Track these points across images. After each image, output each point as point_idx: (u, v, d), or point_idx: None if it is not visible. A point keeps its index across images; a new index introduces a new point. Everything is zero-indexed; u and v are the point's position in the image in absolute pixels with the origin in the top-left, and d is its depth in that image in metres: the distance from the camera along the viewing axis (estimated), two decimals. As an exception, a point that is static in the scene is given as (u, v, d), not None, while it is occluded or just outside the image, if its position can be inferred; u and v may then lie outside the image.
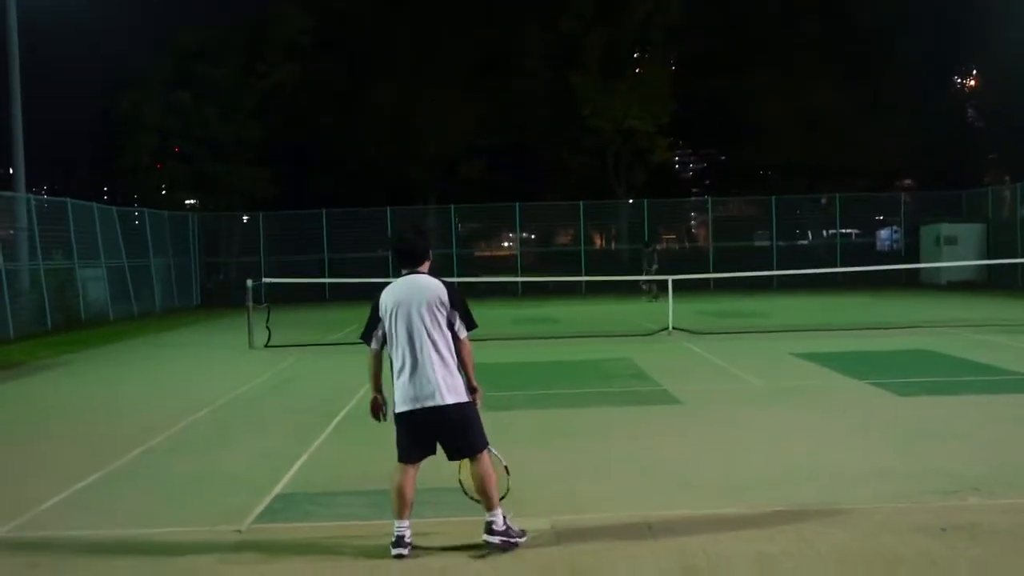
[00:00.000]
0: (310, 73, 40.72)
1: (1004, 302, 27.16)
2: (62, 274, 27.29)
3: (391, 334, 6.33)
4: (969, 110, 49.64)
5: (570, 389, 13.29)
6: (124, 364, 18.20)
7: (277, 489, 8.02)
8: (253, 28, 40.22)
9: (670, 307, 20.87)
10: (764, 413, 11.05)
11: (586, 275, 37.10)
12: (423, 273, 6.40)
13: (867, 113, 41.30)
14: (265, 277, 25.41)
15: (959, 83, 51.50)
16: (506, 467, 6.53)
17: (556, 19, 41.75)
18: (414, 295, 6.26)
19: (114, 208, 31.66)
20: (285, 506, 7.51)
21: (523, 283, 36.27)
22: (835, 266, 38.05)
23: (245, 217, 41.41)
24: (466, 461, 6.40)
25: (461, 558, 6.12)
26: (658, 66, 44.29)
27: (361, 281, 28.11)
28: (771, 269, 37.84)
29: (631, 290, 33.37)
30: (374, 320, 6.43)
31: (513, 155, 45.94)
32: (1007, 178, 44.27)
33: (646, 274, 31.14)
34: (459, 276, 34.17)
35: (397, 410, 6.32)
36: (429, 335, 6.22)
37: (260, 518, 7.21)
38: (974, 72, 49.66)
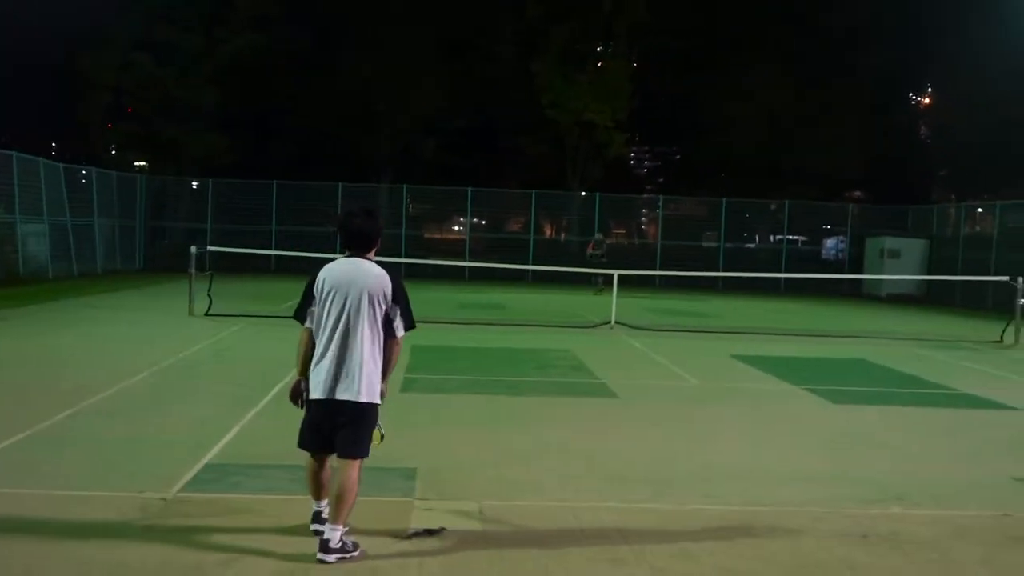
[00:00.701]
0: (272, 42, 40.19)
1: (941, 317, 27.61)
2: (2, 228, 26.82)
3: (321, 316, 5.90)
4: (922, 127, 50.31)
5: (509, 376, 13.32)
6: (60, 324, 17.94)
7: (207, 458, 7.96)
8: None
9: (614, 301, 20.98)
10: (698, 412, 11.16)
11: (534, 264, 37.13)
12: (369, 259, 6.02)
13: (822, 120, 41.66)
14: (211, 245, 25.15)
15: (913, 100, 52.17)
16: (382, 435, 6.07)
17: (524, 6, 41.65)
18: (355, 281, 5.87)
19: (61, 165, 31.13)
20: (214, 476, 7.45)
21: (471, 268, 36.22)
22: (780, 271, 38.46)
23: (195, 183, 40.92)
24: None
25: (385, 539, 6.11)
26: (620, 61, 44.34)
27: (308, 255, 27.96)
28: (717, 270, 38.15)
29: (577, 281, 33.48)
30: (308, 298, 5.99)
31: (472, 139, 45.81)
32: (953, 196, 44.99)
33: (597, 263, 31.16)
34: (407, 257, 34.10)
35: (311, 396, 5.90)
36: (362, 327, 5.83)
37: (188, 486, 7.15)
38: (928, 90, 50.31)
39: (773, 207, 43.31)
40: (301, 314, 6.04)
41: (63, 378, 11.71)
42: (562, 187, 43.73)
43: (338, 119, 41.81)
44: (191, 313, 19.44)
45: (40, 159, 29.64)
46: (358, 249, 6.00)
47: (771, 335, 20.40)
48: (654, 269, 37.24)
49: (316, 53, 41.86)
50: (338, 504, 5.77)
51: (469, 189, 39.96)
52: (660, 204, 43.63)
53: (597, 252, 32.84)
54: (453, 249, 43.26)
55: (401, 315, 5.96)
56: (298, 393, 6.03)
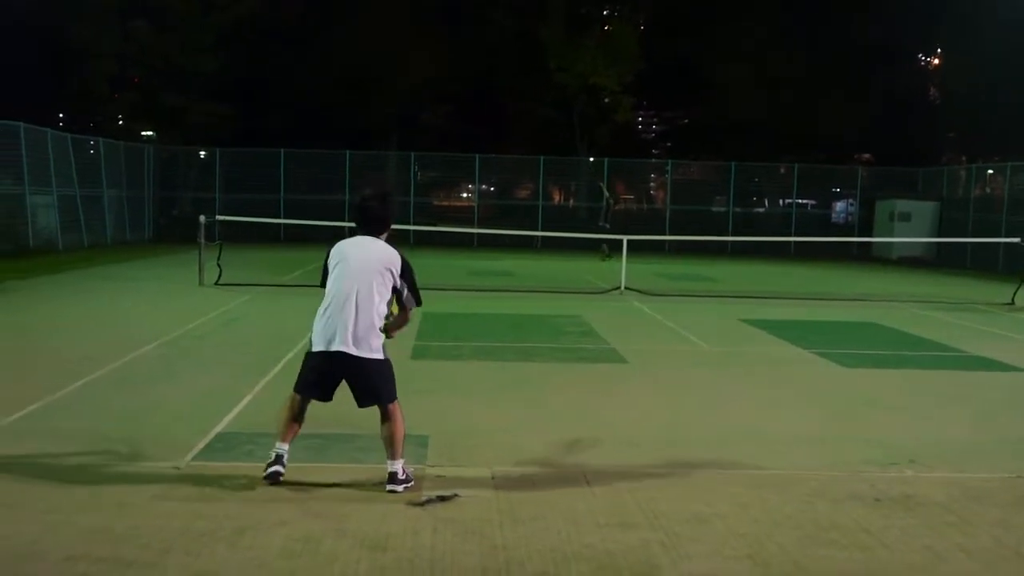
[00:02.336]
0: (272, 8, 39.96)
1: (952, 280, 27.51)
2: (11, 200, 26.83)
3: (331, 279, 6.46)
4: (931, 89, 49.94)
5: (519, 343, 13.32)
6: (70, 295, 17.95)
7: (219, 427, 7.97)
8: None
9: (623, 267, 20.94)
10: (709, 376, 11.15)
11: (543, 230, 37.08)
12: (380, 239, 6.55)
13: (830, 81, 41.38)
14: (220, 215, 25.12)
15: (923, 61, 51.77)
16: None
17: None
18: (366, 253, 6.44)
19: (69, 136, 31.07)
20: (226, 445, 7.46)
21: (479, 235, 36.18)
22: (789, 235, 38.39)
23: (202, 152, 40.85)
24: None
25: (398, 506, 6.12)
26: (626, 24, 44.07)
27: (316, 223, 27.93)
28: (726, 235, 38.09)
29: (586, 247, 33.40)
30: (326, 269, 6.56)
31: (478, 104, 45.65)
32: (963, 158, 44.72)
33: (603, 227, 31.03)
34: (415, 225, 34.04)
35: (313, 348, 6.47)
36: (368, 290, 6.35)
37: (200, 455, 7.16)
38: (938, 51, 49.90)
39: (782, 171, 43.13)
40: (324, 283, 6.59)
41: (74, 349, 11.72)
42: (569, 152, 43.59)
43: (339, 85, 41.61)
44: (201, 283, 19.45)
45: (48, 130, 29.58)
46: (371, 231, 6.57)
47: (781, 299, 20.35)
48: (663, 234, 37.17)
49: (313, 19, 41.58)
50: (392, 443, 6.42)
51: (477, 156, 39.86)
52: (669, 168, 43.46)
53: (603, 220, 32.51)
54: (462, 216, 43.22)
55: (410, 290, 6.56)
56: None
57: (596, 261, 29.93)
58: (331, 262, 6.51)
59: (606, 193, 33.06)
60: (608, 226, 31.36)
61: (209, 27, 38.90)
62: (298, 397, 6.57)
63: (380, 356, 6.43)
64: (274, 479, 6.42)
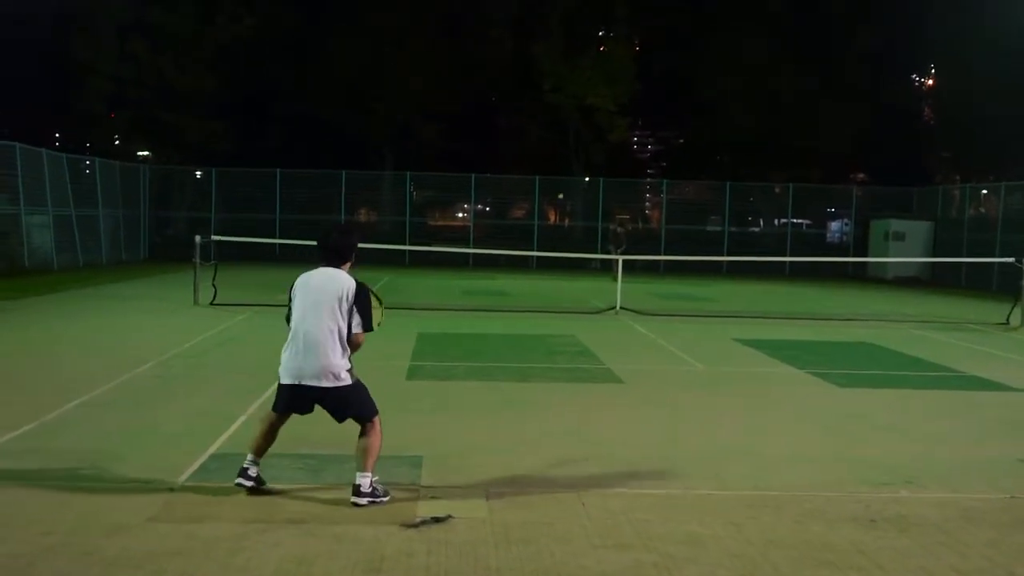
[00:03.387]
0: (269, 27, 40.07)
1: (947, 299, 27.57)
2: (7, 220, 26.83)
3: (294, 313, 6.75)
4: (925, 108, 50.14)
5: (515, 363, 13.31)
6: (66, 314, 17.94)
7: (213, 448, 7.96)
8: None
9: (618, 287, 20.98)
10: (704, 397, 11.15)
11: (538, 250, 37.12)
12: (342, 270, 6.77)
13: (824, 102, 41.53)
14: (216, 234, 25.12)
15: (917, 81, 51.98)
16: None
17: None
18: (325, 284, 6.66)
19: (64, 155, 31.11)
20: (220, 466, 7.44)
21: (475, 255, 36.21)
22: (785, 255, 38.46)
23: (198, 172, 40.89)
24: None
25: (391, 527, 6.11)
26: (621, 44, 44.22)
27: (312, 243, 27.87)
28: (722, 254, 38.14)
29: (581, 267, 33.47)
30: (290, 302, 6.86)
31: (473, 123, 45.75)
32: (957, 178, 44.85)
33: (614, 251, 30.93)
34: (412, 244, 34.09)
35: (281, 381, 6.74)
36: (327, 321, 6.58)
37: (194, 476, 7.15)
38: (932, 71, 50.11)
39: (777, 190, 43.25)
40: (289, 319, 6.87)
41: (68, 369, 11.72)
42: (564, 172, 43.68)
43: (335, 104, 41.70)
44: (196, 303, 19.45)
45: (43, 150, 29.63)
46: (332, 263, 6.80)
47: (777, 319, 20.38)
48: (658, 254, 37.23)
49: (311, 37, 41.70)
50: (365, 454, 6.58)
51: (473, 175, 39.91)
52: (664, 188, 43.54)
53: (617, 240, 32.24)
54: (457, 236, 43.24)
55: (360, 316, 6.67)
56: None
57: (592, 280, 29.92)
58: (293, 294, 6.79)
59: (620, 230, 32.87)
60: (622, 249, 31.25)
61: (206, 46, 39.01)
62: (274, 414, 6.83)
63: (348, 382, 6.63)
64: (241, 486, 6.68)
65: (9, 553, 5.52)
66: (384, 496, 6.58)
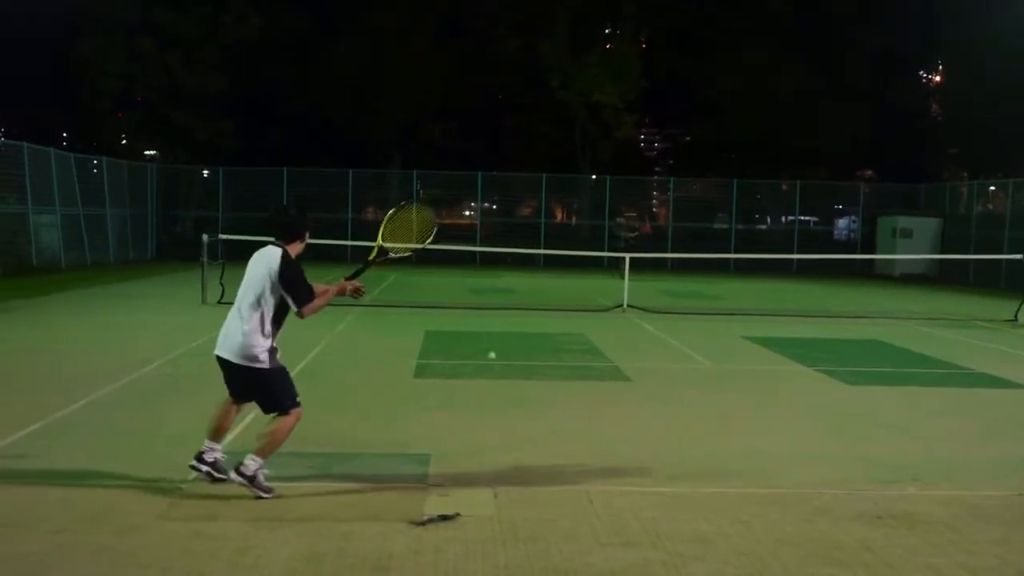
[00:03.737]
0: (276, 27, 40.09)
1: (955, 296, 27.51)
2: (15, 219, 26.89)
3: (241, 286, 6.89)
4: (933, 105, 50.03)
5: (522, 361, 13.32)
6: (74, 313, 17.99)
7: (220, 447, 7.94)
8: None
9: (626, 285, 20.97)
10: (712, 395, 11.14)
11: (545, 248, 37.12)
12: (287, 248, 6.81)
13: (832, 97, 41.45)
14: (223, 233, 25.14)
15: (924, 77, 51.86)
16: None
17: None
18: (261, 260, 6.80)
19: (72, 155, 31.18)
20: (229, 464, 7.42)
21: (481, 253, 36.19)
22: (792, 252, 38.42)
23: (205, 171, 40.95)
24: None
25: (399, 525, 6.12)
26: (628, 42, 44.18)
27: (319, 242, 27.92)
28: (729, 252, 38.11)
29: (589, 265, 33.45)
30: None
31: (480, 121, 45.74)
32: (965, 174, 44.77)
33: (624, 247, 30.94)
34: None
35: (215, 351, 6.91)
36: (253, 299, 6.74)
37: (202, 475, 7.15)
38: (939, 67, 50.00)
39: (784, 187, 43.18)
40: None
41: (76, 368, 11.74)
42: (571, 169, 43.65)
43: (342, 103, 41.72)
44: (204, 302, 19.49)
45: (51, 149, 29.70)
46: (279, 238, 6.90)
47: (784, 316, 20.37)
48: (666, 251, 37.21)
49: (318, 37, 41.71)
50: (267, 441, 6.61)
51: (480, 173, 39.91)
52: (671, 186, 43.51)
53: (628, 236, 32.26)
54: (464, 234, 43.20)
55: (290, 293, 6.71)
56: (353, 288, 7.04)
57: (600, 279, 29.92)
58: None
59: (630, 235, 32.83)
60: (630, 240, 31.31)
61: (213, 46, 39.06)
62: (229, 399, 6.98)
63: (262, 366, 6.68)
64: (195, 469, 6.86)
65: (21, 552, 5.55)
66: (266, 493, 6.54)
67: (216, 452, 6.89)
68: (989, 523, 6.52)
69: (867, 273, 37.61)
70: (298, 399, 6.76)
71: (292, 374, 11.13)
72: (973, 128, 39.87)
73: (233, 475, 6.53)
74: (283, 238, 6.87)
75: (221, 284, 19.75)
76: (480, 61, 43.47)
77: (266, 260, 6.75)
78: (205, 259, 20.14)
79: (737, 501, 6.85)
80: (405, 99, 42.00)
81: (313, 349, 13.37)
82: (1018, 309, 20.16)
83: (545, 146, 45.48)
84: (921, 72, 51.05)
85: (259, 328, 6.69)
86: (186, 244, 33.23)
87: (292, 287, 6.68)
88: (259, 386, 6.72)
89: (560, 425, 9.25)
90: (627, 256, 22.52)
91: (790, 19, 42.12)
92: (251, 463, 6.52)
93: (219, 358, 6.82)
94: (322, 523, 6.12)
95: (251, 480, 6.50)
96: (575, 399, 10.60)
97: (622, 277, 27.80)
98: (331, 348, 13.98)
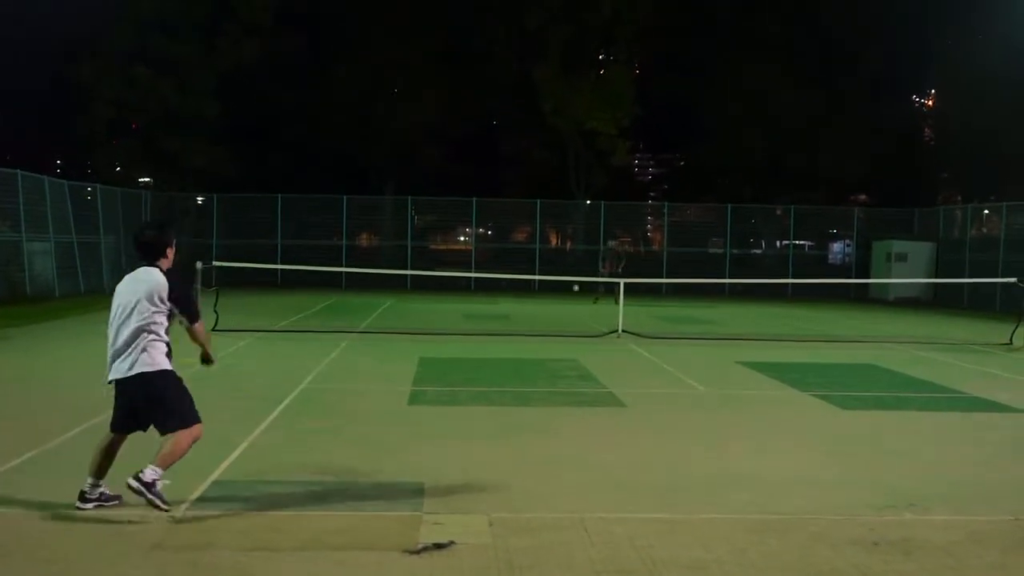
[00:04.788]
0: (271, 53, 40.20)
1: (950, 320, 27.53)
2: (8, 247, 26.85)
3: (112, 314, 6.92)
4: (926, 129, 50.24)
5: (517, 387, 13.29)
6: (68, 341, 17.95)
7: (215, 475, 7.93)
8: (215, 1, 39.43)
9: (620, 310, 20.97)
10: (707, 420, 11.12)
11: (540, 274, 37.14)
12: (157, 267, 6.99)
13: (825, 123, 41.62)
14: (217, 260, 25.16)
15: (917, 102, 52.10)
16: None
17: (522, 12, 41.62)
18: (138, 286, 6.88)
19: (66, 183, 31.17)
20: (222, 493, 7.42)
21: (476, 279, 36.20)
22: (787, 276, 38.46)
23: (200, 198, 40.98)
24: None
25: (393, 553, 6.08)
26: (622, 67, 44.35)
27: (313, 269, 27.97)
28: (724, 277, 38.16)
29: (583, 290, 33.43)
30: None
31: (473, 148, 45.85)
32: (959, 198, 44.89)
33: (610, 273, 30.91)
34: (413, 269, 34.09)
35: (106, 380, 6.92)
36: (132, 323, 6.82)
37: (196, 504, 7.12)
38: (932, 92, 50.23)
39: (779, 212, 43.28)
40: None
41: (70, 396, 11.68)
42: (566, 196, 43.76)
43: (337, 129, 41.81)
44: (198, 329, 19.38)
45: (45, 177, 29.69)
46: (147, 259, 7.04)
47: (779, 341, 20.37)
48: (660, 276, 37.24)
49: (314, 63, 41.84)
50: (168, 452, 6.68)
51: (474, 199, 39.98)
52: (665, 211, 43.61)
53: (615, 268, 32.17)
54: (459, 260, 43.26)
55: (182, 311, 7.04)
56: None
57: (590, 303, 29.95)
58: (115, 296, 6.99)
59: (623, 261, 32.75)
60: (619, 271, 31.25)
61: (209, 72, 39.15)
62: (109, 432, 7.00)
63: (158, 368, 6.88)
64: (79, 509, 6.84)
65: (10, 583, 5.50)
66: (163, 505, 6.62)
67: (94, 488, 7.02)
68: (986, 548, 6.50)
69: (861, 297, 37.65)
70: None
71: (287, 401, 11.20)
72: (966, 152, 40.03)
73: (133, 483, 6.57)
74: (152, 258, 7.05)
75: (215, 311, 19.72)
76: (475, 86, 43.60)
77: (151, 284, 6.91)
78: (199, 286, 20.11)
79: (733, 527, 6.82)
80: (400, 125, 42.09)
81: (307, 376, 13.34)
82: (1013, 332, 20.18)
83: (539, 172, 45.59)
84: (915, 96, 51.29)
85: (150, 345, 6.94)
86: (180, 271, 33.18)
87: (186, 303, 7.09)
88: (156, 399, 6.87)
89: (555, 452, 9.22)
90: (621, 281, 22.54)
91: (784, 45, 42.29)
92: (152, 472, 6.62)
93: (118, 381, 6.88)
94: (316, 552, 6.09)
95: (150, 488, 6.57)
96: (570, 425, 10.57)
97: (616, 302, 27.82)
98: (325, 375, 13.94)
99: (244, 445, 9.10)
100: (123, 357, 6.79)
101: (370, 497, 7.11)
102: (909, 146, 45.38)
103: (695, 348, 18.90)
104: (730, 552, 6.27)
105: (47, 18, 38.63)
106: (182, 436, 6.74)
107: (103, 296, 29.46)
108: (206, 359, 7.41)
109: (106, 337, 6.95)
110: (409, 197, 40.34)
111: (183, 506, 7.02)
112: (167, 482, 6.72)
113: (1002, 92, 35.77)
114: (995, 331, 21.99)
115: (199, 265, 20.47)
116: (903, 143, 44.42)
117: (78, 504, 6.82)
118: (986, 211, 38.29)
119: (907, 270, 36.62)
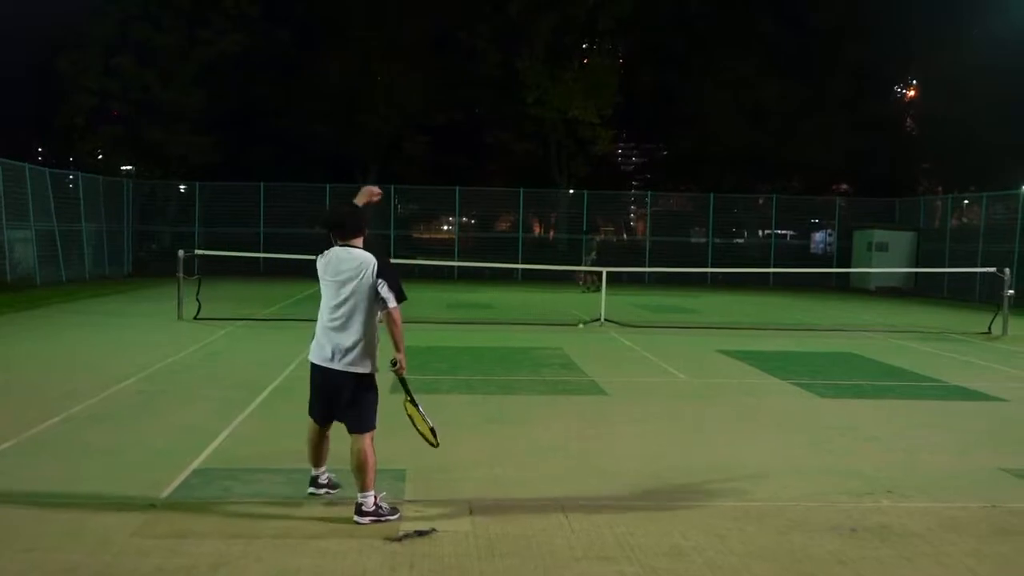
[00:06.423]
0: (255, 42, 39.97)
1: (929, 309, 27.69)
2: (-11, 235, 26.74)
3: (324, 294, 6.69)
4: (907, 119, 50.37)
5: (500, 376, 13.32)
6: (49, 330, 17.88)
7: (196, 463, 7.94)
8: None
9: (603, 299, 21.01)
10: (688, 408, 11.17)
11: (523, 262, 37.17)
12: (357, 247, 6.65)
13: (806, 113, 41.70)
14: (200, 248, 25.10)
15: (899, 92, 52.23)
16: (432, 429, 6.97)
17: (506, 1, 41.48)
18: (348, 263, 6.56)
19: (47, 170, 31.03)
20: (203, 481, 7.44)
21: (460, 267, 36.20)
22: (769, 265, 38.59)
23: (182, 186, 40.81)
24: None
25: (374, 541, 6.11)
26: (605, 57, 44.29)
27: (295, 257, 27.88)
28: (706, 266, 38.26)
29: (566, 279, 33.50)
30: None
31: (457, 137, 45.74)
32: (939, 188, 45.07)
33: (589, 263, 31.07)
34: (396, 258, 34.00)
35: (311, 359, 6.81)
36: (357, 303, 6.54)
37: (176, 492, 7.13)
38: (913, 83, 50.35)
39: (761, 201, 43.39)
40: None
41: (51, 384, 11.66)
42: (549, 184, 43.74)
43: (320, 118, 41.65)
44: (180, 317, 19.39)
45: (26, 165, 29.51)
46: (344, 237, 6.69)
47: (760, 330, 20.45)
48: (643, 265, 37.30)
49: (296, 52, 41.63)
50: (359, 474, 6.49)
51: (457, 188, 39.94)
52: (648, 200, 43.67)
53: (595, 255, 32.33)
54: (442, 248, 43.22)
55: (390, 288, 6.56)
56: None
57: (576, 293, 30.01)
58: (320, 273, 6.74)
59: (593, 256, 32.77)
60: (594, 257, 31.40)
61: (192, 61, 38.95)
62: (310, 422, 6.98)
63: (366, 371, 6.68)
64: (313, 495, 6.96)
65: (-10, 570, 5.51)
66: (390, 515, 6.54)
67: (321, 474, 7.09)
68: (963, 535, 6.57)
69: (843, 286, 37.83)
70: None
71: (269, 390, 11.20)
72: (947, 142, 40.17)
73: (359, 520, 6.43)
74: (349, 236, 6.72)
75: (197, 300, 19.69)
76: (459, 76, 43.47)
77: (362, 260, 6.59)
78: (181, 275, 20.06)
79: (712, 514, 6.87)
80: (384, 115, 41.94)
81: (289, 365, 13.33)
82: (991, 321, 20.31)
83: (523, 161, 45.51)
84: (897, 87, 51.40)
85: (370, 333, 6.67)
86: (163, 259, 33.08)
87: (394, 281, 6.63)
88: (361, 399, 6.73)
89: (536, 440, 9.25)
90: (604, 270, 22.59)
91: (767, 35, 42.31)
92: (367, 499, 6.50)
93: (329, 371, 6.73)
94: (297, 539, 6.11)
95: (376, 514, 6.47)
96: (552, 414, 10.60)
97: (588, 291, 27.88)
98: (306, 364, 13.91)
99: (225, 434, 9.11)
100: (340, 346, 6.64)
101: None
102: (890, 136, 45.51)
103: (677, 337, 18.97)
104: (708, 539, 6.32)
105: (29, 4, 38.21)
106: (365, 447, 6.60)
107: (85, 284, 29.46)
108: (397, 363, 6.94)
109: (320, 313, 6.77)
110: (392, 186, 40.22)
111: (163, 494, 7.03)
112: (383, 492, 6.72)
113: (983, 83, 35.89)
114: (974, 320, 22.15)
115: (181, 253, 20.41)
116: (885, 133, 44.53)
117: (355, 519, 6.48)
118: (966, 201, 38.47)
119: (888, 259, 36.80)
